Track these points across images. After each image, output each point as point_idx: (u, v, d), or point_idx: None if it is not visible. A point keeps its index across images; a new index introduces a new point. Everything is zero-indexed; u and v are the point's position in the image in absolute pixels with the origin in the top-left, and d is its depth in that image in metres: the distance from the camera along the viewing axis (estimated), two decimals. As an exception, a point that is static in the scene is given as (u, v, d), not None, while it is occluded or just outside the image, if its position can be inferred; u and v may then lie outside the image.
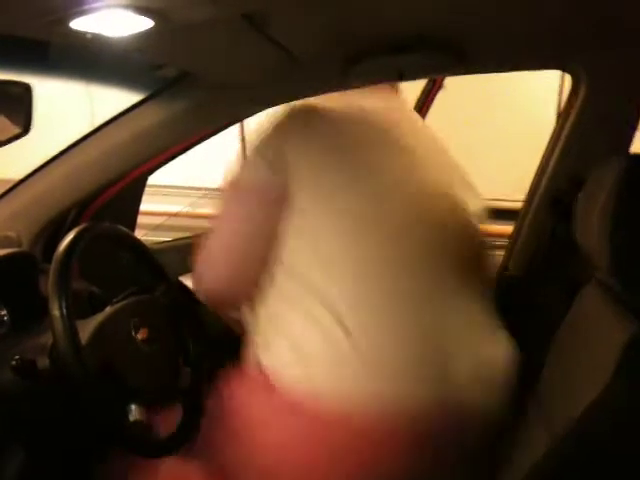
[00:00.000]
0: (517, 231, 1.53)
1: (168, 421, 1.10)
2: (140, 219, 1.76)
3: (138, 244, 1.22)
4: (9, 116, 1.18)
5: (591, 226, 0.91)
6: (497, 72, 1.37)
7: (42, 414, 1.01)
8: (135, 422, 0.96)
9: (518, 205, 1.56)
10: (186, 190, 3.88)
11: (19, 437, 0.99)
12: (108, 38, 0.93)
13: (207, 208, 3.71)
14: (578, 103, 1.31)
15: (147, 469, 1.08)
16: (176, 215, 3.63)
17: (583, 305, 1.04)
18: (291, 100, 1.34)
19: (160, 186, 3.27)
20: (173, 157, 1.50)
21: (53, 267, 0.95)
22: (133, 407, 0.97)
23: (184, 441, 1.08)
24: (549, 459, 0.83)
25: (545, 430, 0.94)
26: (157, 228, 3.15)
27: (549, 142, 1.43)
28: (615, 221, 0.86)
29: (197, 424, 1.12)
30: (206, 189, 3.87)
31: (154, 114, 1.37)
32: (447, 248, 1.06)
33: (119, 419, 0.95)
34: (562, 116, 1.38)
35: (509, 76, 1.38)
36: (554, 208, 1.40)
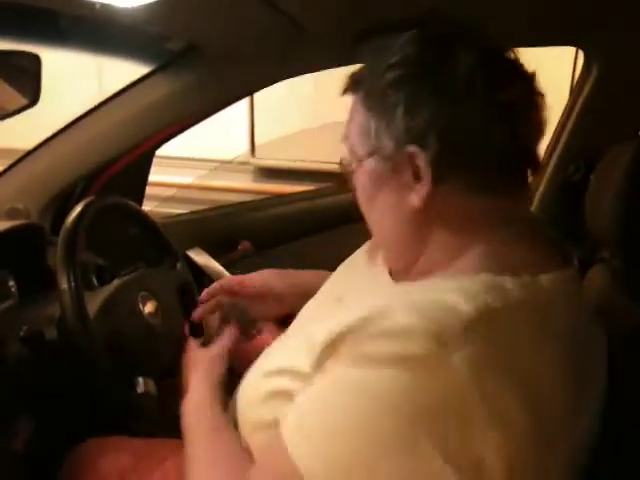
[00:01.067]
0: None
1: (176, 395, 1.12)
2: (150, 190, 1.76)
3: (146, 218, 1.23)
4: (18, 87, 1.17)
5: (602, 208, 0.91)
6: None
7: (50, 384, 1.02)
8: (143, 394, 0.97)
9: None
10: (197, 162, 3.88)
11: (27, 407, 1.01)
12: (117, 9, 0.92)
13: (218, 180, 3.74)
14: (590, 82, 1.30)
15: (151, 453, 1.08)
16: (188, 187, 3.65)
17: (591, 286, 1.04)
18: (298, 74, 1.33)
19: (172, 158, 3.28)
20: (182, 130, 1.49)
21: (61, 239, 0.96)
22: (141, 379, 0.98)
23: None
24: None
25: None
26: (168, 200, 3.17)
27: (560, 121, 1.41)
28: (627, 204, 0.86)
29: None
30: (218, 161, 3.89)
31: (162, 87, 1.36)
32: None
33: (127, 391, 0.96)
34: (573, 95, 1.37)
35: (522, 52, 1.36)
36: (564, 188, 1.40)
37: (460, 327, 0.60)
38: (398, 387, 0.59)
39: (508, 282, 0.65)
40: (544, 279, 0.68)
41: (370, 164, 0.75)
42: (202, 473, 0.79)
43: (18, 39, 1.20)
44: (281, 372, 0.75)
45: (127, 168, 1.53)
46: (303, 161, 3.73)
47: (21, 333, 0.96)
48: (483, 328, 0.61)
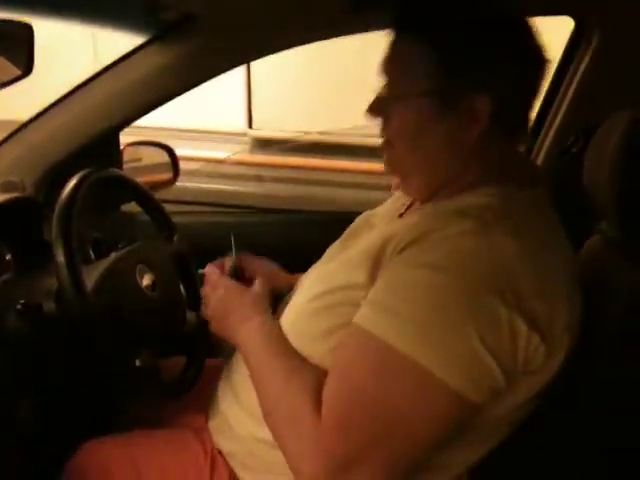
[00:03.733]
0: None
1: (174, 366, 1.12)
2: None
3: (142, 190, 1.22)
4: (10, 57, 1.15)
5: (599, 177, 0.90)
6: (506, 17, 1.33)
7: (48, 357, 1.02)
8: (142, 366, 0.98)
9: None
10: (191, 133, 3.85)
11: (26, 380, 1.01)
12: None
13: (214, 152, 3.73)
14: (590, 53, 1.28)
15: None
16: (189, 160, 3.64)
17: (589, 256, 1.04)
18: (294, 45, 1.32)
19: (166, 129, 3.26)
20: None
21: (57, 213, 0.95)
22: (140, 352, 0.98)
23: (189, 384, 1.10)
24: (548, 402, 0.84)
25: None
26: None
27: (560, 92, 1.40)
28: (624, 173, 0.86)
29: (201, 368, 1.14)
30: (213, 132, 3.87)
31: (158, 57, 1.35)
32: None
33: (126, 363, 0.97)
34: (573, 66, 1.35)
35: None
36: (563, 159, 1.39)
37: (496, 216, 0.76)
38: (458, 256, 0.72)
39: (515, 191, 0.82)
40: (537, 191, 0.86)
41: (426, 101, 0.82)
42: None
43: (9, 7, 1.18)
44: (333, 291, 0.84)
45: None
46: (302, 132, 3.71)
47: (18, 306, 0.96)
48: (511, 218, 0.77)
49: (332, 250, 1.04)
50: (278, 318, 0.94)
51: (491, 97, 0.79)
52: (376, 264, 0.79)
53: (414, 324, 0.71)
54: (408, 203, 1.00)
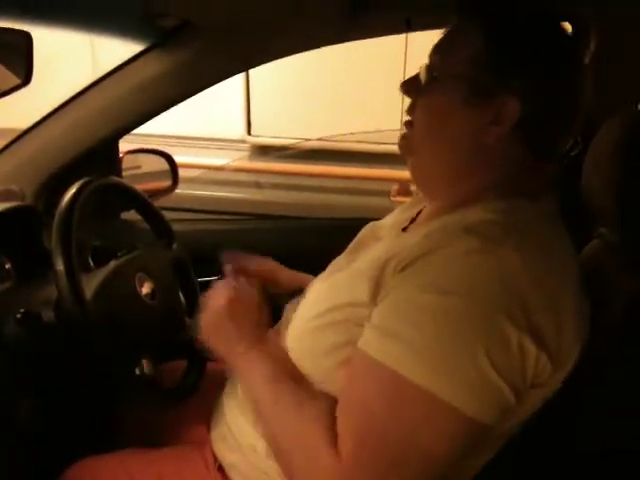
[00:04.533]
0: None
1: (173, 373, 1.12)
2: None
3: (141, 198, 1.22)
4: (9, 66, 1.15)
5: (598, 181, 0.90)
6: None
7: (49, 366, 1.02)
8: (142, 375, 0.98)
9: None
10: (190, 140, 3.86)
11: (26, 389, 1.01)
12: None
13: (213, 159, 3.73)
14: (587, 57, 1.28)
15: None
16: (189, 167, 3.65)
17: (588, 261, 1.04)
18: (293, 52, 1.32)
19: (167, 136, 3.27)
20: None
21: (56, 221, 0.95)
22: (140, 360, 0.98)
23: (189, 390, 1.09)
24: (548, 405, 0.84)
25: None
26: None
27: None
28: (622, 177, 0.86)
29: (201, 375, 1.13)
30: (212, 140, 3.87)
31: (157, 64, 1.35)
32: None
33: (125, 372, 0.96)
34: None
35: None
36: (561, 163, 1.39)
37: (503, 231, 0.74)
38: (467, 277, 0.70)
39: (523, 203, 0.80)
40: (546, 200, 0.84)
41: (459, 85, 0.81)
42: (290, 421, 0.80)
43: (8, 16, 1.18)
44: (337, 307, 0.82)
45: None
46: (301, 139, 3.72)
47: (18, 315, 0.96)
48: (518, 232, 0.75)
49: (338, 262, 1.03)
50: (282, 327, 0.94)
51: (522, 104, 0.78)
52: (378, 283, 0.78)
53: (426, 353, 0.69)
54: (414, 216, 0.99)
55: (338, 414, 0.75)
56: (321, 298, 0.88)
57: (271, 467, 0.89)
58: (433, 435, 0.70)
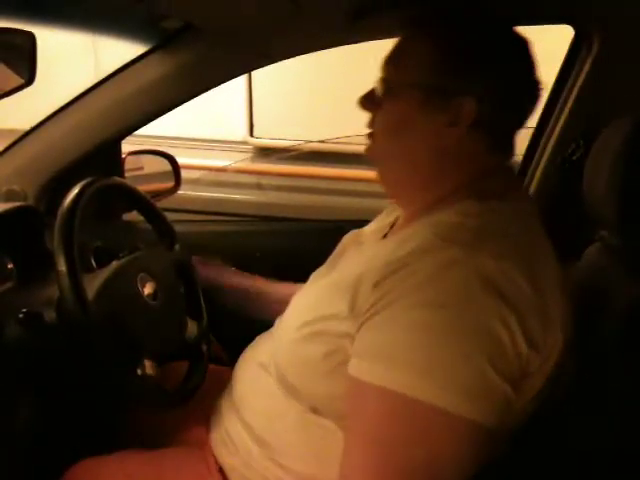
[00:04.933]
0: (524, 190, 1.52)
1: (175, 375, 1.12)
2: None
3: (144, 199, 1.22)
4: (12, 66, 1.16)
5: (600, 185, 0.90)
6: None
7: (50, 366, 1.02)
8: (144, 376, 0.98)
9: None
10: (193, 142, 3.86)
11: (28, 390, 1.01)
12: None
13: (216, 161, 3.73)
14: (590, 60, 1.28)
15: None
16: (189, 168, 3.65)
17: (589, 264, 1.04)
18: (296, 54, 1.32)
19: (169, 138, 3.27)
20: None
21: (58, 222, 0.95)
22: (142, 361, 0.98)
23: (191, 392, 1.09)
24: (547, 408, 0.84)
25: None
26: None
27: (560, 100, 1.40)
28: (624, 180, 0.86)
29: (203, 376, 1.13)
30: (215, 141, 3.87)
31: (159, 66, 1.35)
32: None
33: (127, 373, 0.96)
34: (573, 74, 1.36)
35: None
36: (564, 167, 1.39)
37: (478, 236, 0.74)
38: (451, 290, 0.70)
39: (495, 204, 0.80)
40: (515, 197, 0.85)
41: (415, 92, 0.83)
42: None
43: (12, 17, 1.19)
44: (318, 320, 0.82)
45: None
46: (304, 141, 3.71)
47: (20, 315, 0.96)
48: (492, 236, 0.75)
49: (319, 272, 1.05)
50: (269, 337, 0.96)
51: (478, 103, 0.80)
52: (355, 296, 0.77)
53: (429, 370, 0.68)
54: (393, 221, 1.00)
55: (347, 449, 0.74)
56: (303, 310, 0.89)
57: (267, 469, 0.90)
58: (453, 449, 0.70)
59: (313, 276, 1.05)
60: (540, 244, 0.82)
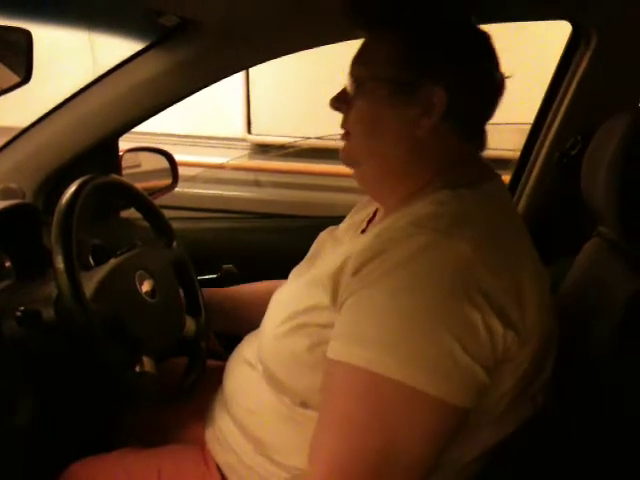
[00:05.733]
0: (522, 185, 1.52)
1: (173, 372, 1.12)
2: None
3: (141, 196, 1.22)
4: (9, 64, 1.15)
5: (598, 180, 0.90)
6: (505, 22, 1.33)
7: (49, 364, 1.02)
8: (142, 373, 0.98)
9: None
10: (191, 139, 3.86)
11: (27, 387, 1.01)
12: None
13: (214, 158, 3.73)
14: (588, 56, 1.28)
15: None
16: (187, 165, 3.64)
17: (587, 260, 1.04)
18: (294, 50, 1.32)
19: (166, 135, 3.26)
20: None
21: (56, 219, 0.95)
22: (139, 358, 0.98)
23: (189, 390, 1.09)
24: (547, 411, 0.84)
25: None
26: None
27: (557, 95, 1.40)
28: (622, 175, 0.86)
29: (202, 373, 1.13)
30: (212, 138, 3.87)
31: (157, 63, 1.35)
32: None
33: (125, 370, 0.96)
34: (571, 69, 1.36)
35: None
36: (561, 162, 1.39)
37: (450, 222, 0.76)
38: (421, 274, 0.71)
39: (468, 192, 0.82)
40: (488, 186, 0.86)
41: (384, 86, 0.84)
42: None
43: (8, 14, 1.19)
44: (300, 313, 0.83)
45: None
46: (301, 137, 3.71)
47: (18, 313, 0.96)
48: (466, 222, 0.77)
49: (298, 270, 1.06)
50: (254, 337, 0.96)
51: (448, 92, 0.82)
52: (336, 286, 0.79)
53: (399, 350, 0.70)
54: (370, 216, 1.01)
55: (317, 434, 0.75)
56: (284, 305, 0.90)
57: (261, 465, 0.90)
58: (420, 428, 0.71)
59: (292, 273, 1.06)
60: (513, 229, 0.84)
